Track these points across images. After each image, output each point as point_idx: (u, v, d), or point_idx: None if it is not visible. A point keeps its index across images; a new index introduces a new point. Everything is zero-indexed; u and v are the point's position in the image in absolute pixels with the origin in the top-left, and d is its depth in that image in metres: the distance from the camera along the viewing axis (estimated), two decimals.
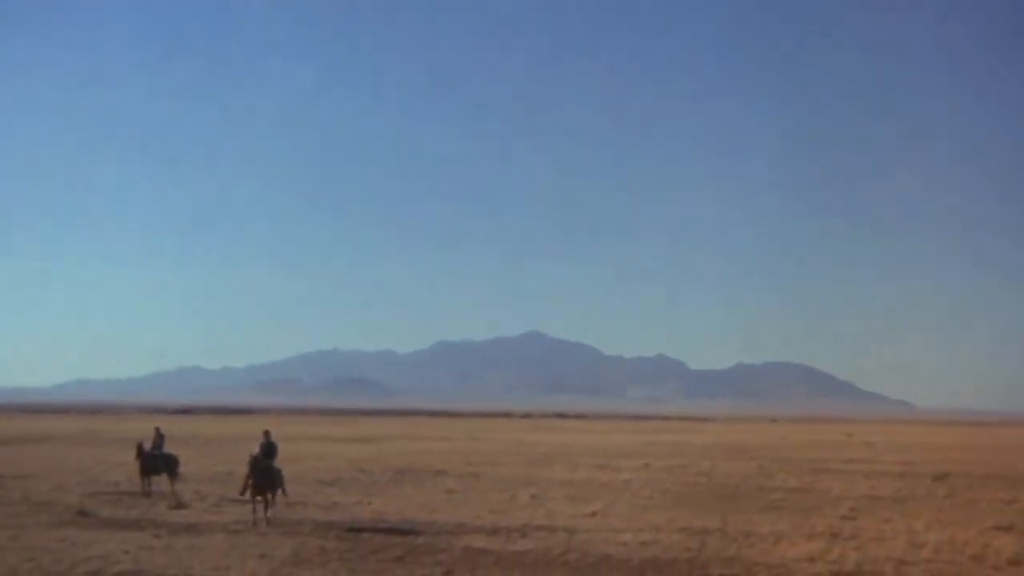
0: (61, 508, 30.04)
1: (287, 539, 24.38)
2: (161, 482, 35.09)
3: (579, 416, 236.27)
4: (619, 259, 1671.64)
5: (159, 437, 36.53)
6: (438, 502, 33.69)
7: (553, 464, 54.10)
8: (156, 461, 35.34)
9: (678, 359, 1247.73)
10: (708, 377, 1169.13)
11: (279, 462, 28.20)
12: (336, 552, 22.56)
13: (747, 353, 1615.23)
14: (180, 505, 31.22)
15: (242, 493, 28.04)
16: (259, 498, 26.93)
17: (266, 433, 28.33)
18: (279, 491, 27.72)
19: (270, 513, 27.10)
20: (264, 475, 26.93)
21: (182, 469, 36.62)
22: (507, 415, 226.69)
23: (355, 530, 26.24)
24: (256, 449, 27.66)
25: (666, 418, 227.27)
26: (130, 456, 37.68)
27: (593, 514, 30.87)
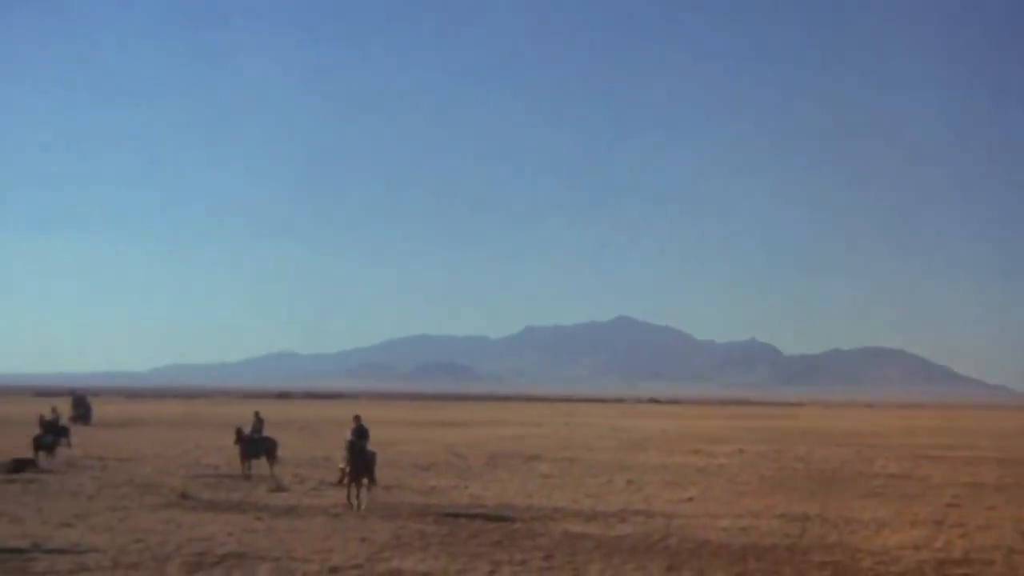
0: (164, 490, 30.56)
1: (386, 523, 24.56)
2: (260, 465, 35.54)
3: (670, 401, 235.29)
4: (710, 243, 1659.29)
5: (258, 421, 37.01)
6: (534, 487, 33.72)
7: (647, 449, 53.91)
8: (256, 445, 35.84)
9: (770, 344, 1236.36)
10: (801, 362, 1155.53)
11: (371, 447, 28.32)
12: (435, 536, 22.67)
13: (841, 338, 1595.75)
14: (280, 488, 31.62)
15: (340, 481, 28.27)
16: (355, 484, 27.11)
17: (356, 418, 28.39)
18: (373, 476, 27.85)
19: (366, 498, 27.26)
20: (360, 460, 27.10)
21: (280, 453, 37.06)
22: (598, 400, 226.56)
23: (453, 515, 26.37)
24: (348, 434, 27.84)
25: (758, 403, 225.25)
26: (229, 440, 38.22)
27: (690, 499, 30.71)
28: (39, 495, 29.16)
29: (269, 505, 27.77)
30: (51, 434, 41.19)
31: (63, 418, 50.69)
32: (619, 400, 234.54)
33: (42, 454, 38.78)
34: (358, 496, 27.03)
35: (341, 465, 27.89)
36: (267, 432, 37.31)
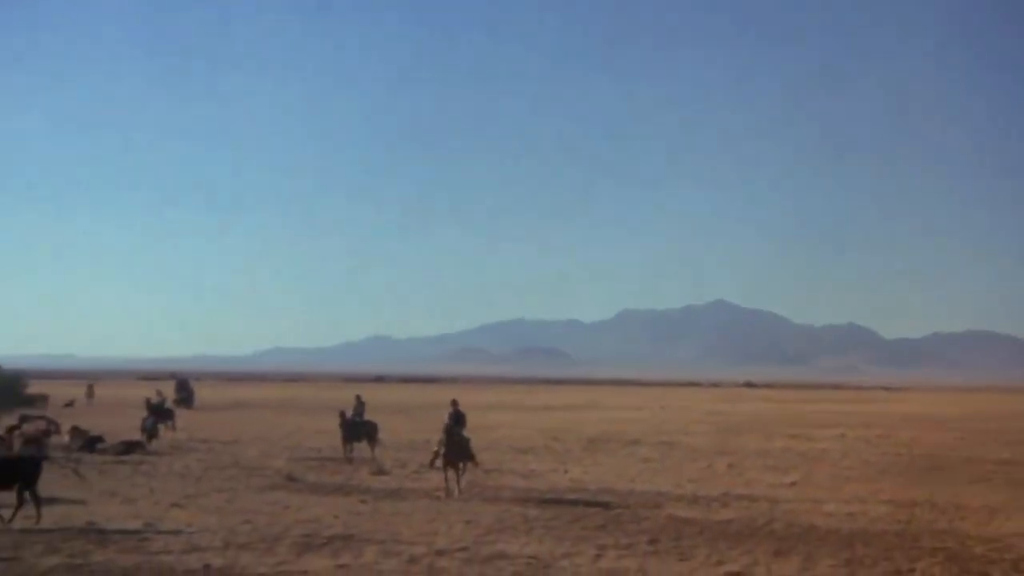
0: (269, 472, 31.01)
1: (489, 506, 24.65)
2: (362, 448, 35.88)
3: (766, 385, 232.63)
4: (808, 226, 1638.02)
5: (360, 404, 37.36)
6: (635, 471, 33.61)
7: (746, 433, 53.38)
8: (358, 428, 36.20)
9: (870, 328, 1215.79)
10: (902, 346, 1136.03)
11: (468, 431, 28.33)
12: (539, 520, 22.70)
13: (943, 321, 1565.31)
14: (382, 471, 31.89)
15: (431, 464, 28.44)
16: (451, 468, 27.11)
17: (454, 402, 28.45)
18: (469, 461, 27.82)
19: (462, 483, 27.25)
20: (455, 445, 27.11)
21: (380, 436, 37.35)
22: (694, 384, 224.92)
23: (555, 499, 26.38)
24: (446, 418, 27.92)
25: (858, 388, 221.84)
26: (330, 423, 38.64)
27: (793, 484, 30.38)
28: (149, 476, 29.78)
29: (372, 488, 28.03)
30: (155, 417, 42.03)
31: (168, 401, 51.73)
32: (715, 384, 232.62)
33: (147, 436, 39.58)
34: (458, 481, 27.06)
35: (435, 448, 28.00)
36: (367, 416, 37.65)
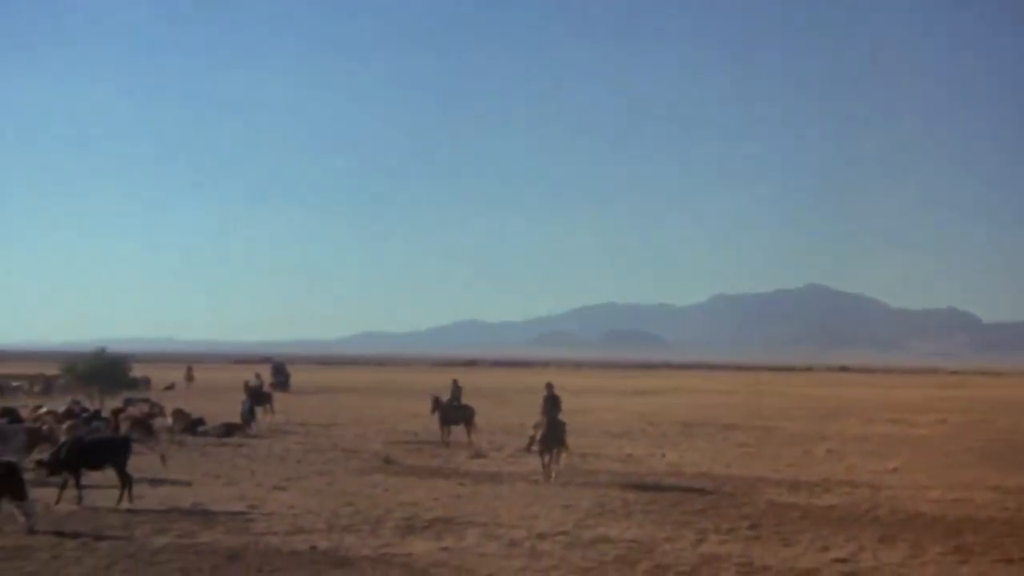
0: (368, 455, 31.26)
1: (588, 491, 24.59)
2: (458, 432, 36.02)
3: (862, 370, 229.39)
4: (905, 208, 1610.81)
5: (456, 388, 37.52)
6: (731, 456, 33.34)
7: (844, 418, 52.69)
8: (455, 412, 36.38)
9: (969, 311, 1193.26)
10: (1003, 330, 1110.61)
11: (562, 415, 28.12)
12: (638, 504, 22.61)
13: None
14: (479, 455, 31.99)
15: (528, 448, 28.37)
16: (547, 453, 26.98)
17: (548, 386, 28.26)
18: (563, 447, 27.61)
19: (559, 468, 27.07)
20: (552, 430, 26.96)
21: (476, 420, 37.43)
22: (789, 369, 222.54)
23: (653, 483, 26.27)
24: (541, 402, 27.82)
25: (956, 372, 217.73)
26: (424, 407, 38.85)
27: (894, 470, 29.90)
28: (249, 459, 30.19)
29: (470, 471, 28.13)
30: (253, 400, 42.59)
31: (265, 384, 52.43)
32: (808, 369, 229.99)
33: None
34: (554, 466, 26.85)
35: (531, 433, 27.94)
36: (462, 399, 37.76)
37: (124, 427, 33.15)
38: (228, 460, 29.75)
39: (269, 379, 67.28)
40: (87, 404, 41.51)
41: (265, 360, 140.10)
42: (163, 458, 26.87)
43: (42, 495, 20.51)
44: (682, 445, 36.67)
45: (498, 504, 22.26)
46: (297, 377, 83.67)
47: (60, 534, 17.71)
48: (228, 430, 37.34)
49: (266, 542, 17.49)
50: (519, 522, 19.87)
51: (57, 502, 20.71)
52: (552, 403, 27.39)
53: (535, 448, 27.27)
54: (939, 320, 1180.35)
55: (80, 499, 20.93)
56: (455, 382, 38.58)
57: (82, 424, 30.00)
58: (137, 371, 61.73)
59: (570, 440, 28.06)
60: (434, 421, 36.80)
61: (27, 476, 19.32)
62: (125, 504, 20.83)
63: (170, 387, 70.81)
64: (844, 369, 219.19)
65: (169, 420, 36.67)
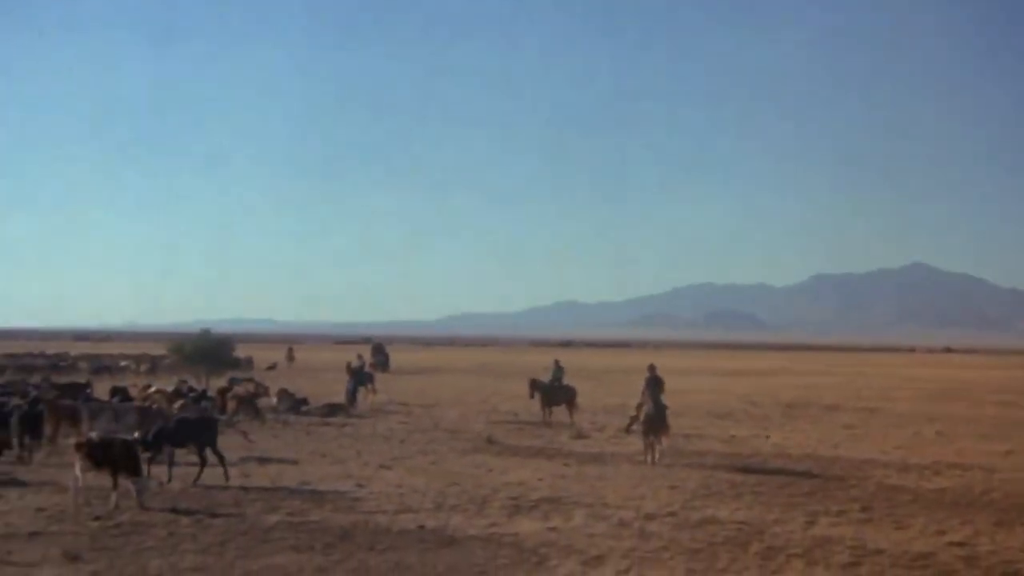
0: (470, 436, 31.31)
1: (694, 472, 24.39)
2: (559, 412, 35.94)
3: (967, 350, 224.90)
4: (1013, 186, 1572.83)
5: (558, 369, 37.47)
6: (838, 437, 32.85)
7: (951, 400, 51.69)
8: (557, 392, 36.32)
9: None
10: None
11: (664, 396, 27.79)
12: (745, 485, 22.37)
13: None
14: (581, 436, 31.87)
15: (628, 428, 28.11)
16: (650, 436, 26.68)
17: (651, 367, 27.81)
18: (664, 429, 27.24)
19: (661, 449, 26.71)
20: (654, 411, 26.62)
21: (577, 400, 37.28)
22: (891, 349, 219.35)
23: (759, 464, 25.99)
24: (643, 384, 27.53)
25: None
26: (524, 388, 38.80)
27: (1008, 453, 29.24)
28: (354, 438, 30.43)
29: (574, 452, 28.03)
30: (356, 380, 42.93)
31: (367, 365, 52.84)
32: (911, 349, 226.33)
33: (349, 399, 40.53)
34: (657, 447, 26.51)
35: (633, 413, 27.72)
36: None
37: (230, 406, 33.75)
38: (333, 439, 30.03)
39: (369, 360, 67.85)
40: (193, 384, 42.21)
41: (364, 341, 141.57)
42: (245, 435, 27.20)
43: (156, 473, 20.90)
44: (786, 426, 36.24)
45: (603, 484, 22.18)
46: (396, 358, 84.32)
47: (175, 511, 18.04)
48: (331, 410, 37.69)
49: (375, 521, 17.61)
50: (626, 502, 19.77)
51: (169, 480, 21.10)
52: (654, 385, 27.09)
53: (635, 429, 27.08)
54: None
55: (169, 479, 21.22)
56: (556, 362, 38.52)
57: (191, 403, 30.50)
58: (239, 352, 62.58)
59: (672, 421, 27.79)
60: (535, 402, 36.72)
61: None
62: (225, 481, 21.13)
63: (272, 367, 71.77)
64: (948, 350, 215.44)
65: (274, 399, 37.18)
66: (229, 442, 27.69)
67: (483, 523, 17.55)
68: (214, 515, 17.76)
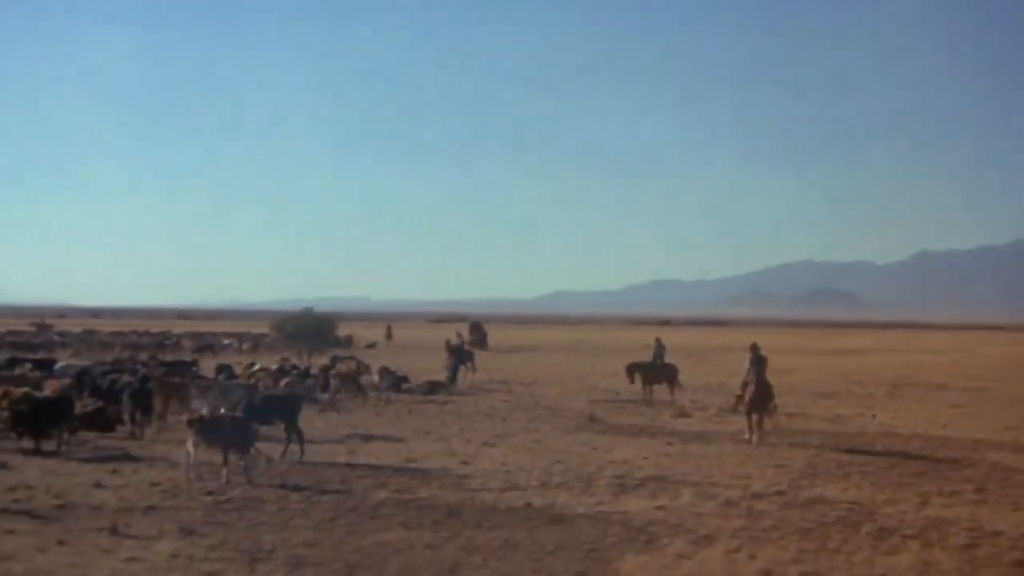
0: (572, 414, 31.25)
1: (798, 451, 24.09)
2: (660, 391, 35.70)
3: None
4: None
5: (660, 347, 37.29)
6: (945, 417, 32.22)
7: None
8: (658, 370, 36.11)
9: None
10: None
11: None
12: (853, 465, 22.03)
13: None
14: (683, 414, 31.65)
15: (734, 408, 27.79)
16: (754, 415, 26.30)
17: (754, 346, 27.16)
18: (768, 410, 26.81)
19: (766, 429, 26.27)
20: (760, 391, 26.23)
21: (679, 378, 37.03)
22: (997, 328, 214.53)
23: (866, 444, 25.59)
24: (747, 363, 27.10)
25: None
26: (622, 365, 38.61)
27: None
28: (456, 416, 30.55)
29: (677, 431, 27.86)
30: (456, 358, 43.12)
31: (466, 343, 53.05)
32: (1020, 329, 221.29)
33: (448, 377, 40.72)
34: (760, 427, 25.99)
35: (739, 392, 27.35)
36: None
37: (333, 384, 34.09)
38: (435, 417, 30.20)
39: (467, 338, 68.16)
40: (295, 362, 42.77)
41: (461, 319, 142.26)
42: (333, 408, 27.41)
43: (266, 450, 21.20)
44: (892, 406, 35.62)
45: (708, 463, 22.00)
46: (493, 336, 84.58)
47: (284, 487, 18.25)
48: (432, 388, 37.90)
49: (481, 498, 17.65)
50: (732, 481, 19.59)
51: (282, 455, 21.39)
52: (759, 363, 26.67)
53: (741, 408, 26.74)
54: None
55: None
56: (658, 340, 38.36)
57: (297, 381, 30.89)
58: (339, 330, 63.17)
59: (776, 401, 27.36)
60: (635, 381, 36.39)
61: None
62: (300, 458, 21.32)
63: (372, 345, 72.39)
64: None
65: (375, 377, 37.46)
66: (333, 420, 28.16)
67: (590, 501, 17.49)
68: (323, 491, 17.93)
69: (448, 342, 48.79)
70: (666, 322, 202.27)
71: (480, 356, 52.75)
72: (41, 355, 45.60)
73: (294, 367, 37.39)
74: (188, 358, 46.15)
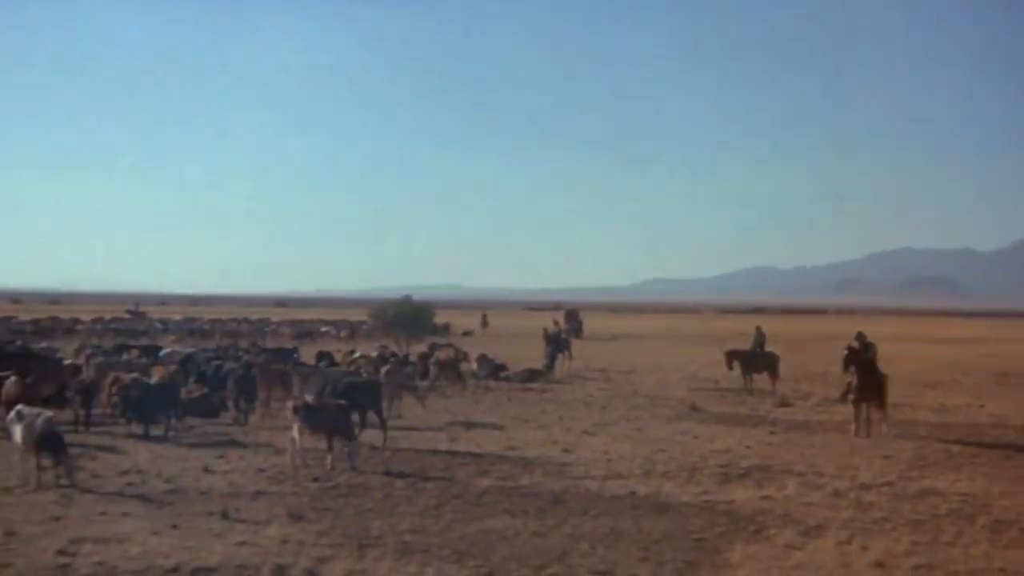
0: (672, 402, 31.01)
1: (906, 441, 23.59)
2: (760, 380, 35.25)
3: None
4: None
5: (760, 335, 36.82)
6: None
7: None
8: (758, 359, 35.67)
9: None
10: None
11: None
12: (963, 456, 21.54)
13: None
14: (784, 403, 31.22)
15: (842, 397, 27.29)
16: (862, 406, 25.68)
17: (860, 335, 26.50)
18: (879, 402, 26.12)
19: (873, 420, 25.62)
20: (869, 381, 25.58)
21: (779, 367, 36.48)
22: None
23: (974, 436, 25.02)
24: (846, 352, 26.42)
25: None
26: (719, 354, 38.23)
27: None
28: (555, 404, 30.51)
29: (778, 420, 27.51)
30: (554, 346, 43.07)
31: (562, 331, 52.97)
32: None
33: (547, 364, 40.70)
34: (868, 418, 25.31)
35: (849, 379, 26.67)
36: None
37: (433, 371, 34.26)
38: (534, 404, 30.18)
39: (563, 326, 68.06)
40: (394, 349, 43.03)
41: (556, 307, 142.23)
42: (422, 401, 27.47)
43: (366, 437, 21.35)
44: (1001, 396, 34.78)
45: (814, 453, 21.67)
46: (589, 324, 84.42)
47: (388, 474, 18.34)
48: (530, 375, 37.92)
49: (585, 486, 17.56)
50: (839, 472, 19.24)
51: (384, 442, 21.53)
52: (865, 353, 26.03)
53: (851, 398, 26.17)
54: None
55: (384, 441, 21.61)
56: (758, 328, 37.87)
57: (397, 368, 31.06)
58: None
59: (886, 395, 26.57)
60: (734, 369, 35.94)
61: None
62: (383, 444, 21.40)
63: (468, 333, 72.70)
64: None
65: (474, 365, 37.56)
66: (433, 406, 28.25)
67: (695, 490, 17.31)
68: (426, 479, 18.00)
69: (545, 330, 48.72)
70: (761, 310, 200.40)
71: (577, 344, 52.67)
72: (145, 342, 46.50)
73: (393, 354, 37.62)
74: (288, 345, 46.68)
